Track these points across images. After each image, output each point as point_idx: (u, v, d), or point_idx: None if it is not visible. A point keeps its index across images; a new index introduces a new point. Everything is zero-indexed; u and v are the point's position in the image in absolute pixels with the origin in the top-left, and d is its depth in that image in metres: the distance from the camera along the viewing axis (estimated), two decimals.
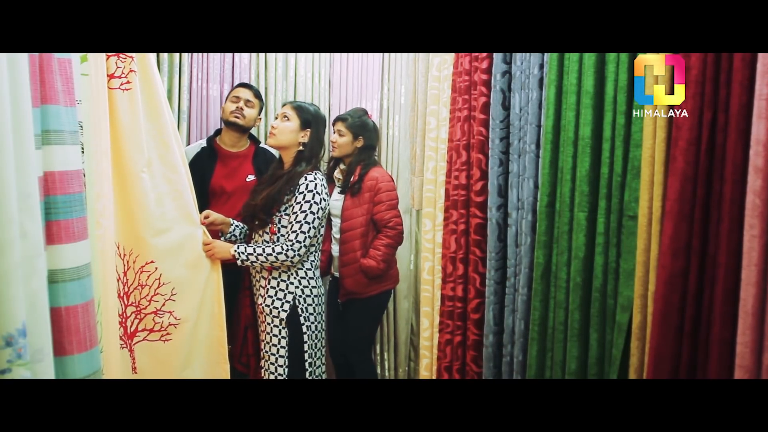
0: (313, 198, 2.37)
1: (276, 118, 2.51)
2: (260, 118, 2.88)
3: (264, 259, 2.36)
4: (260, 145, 2.89)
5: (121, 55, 1.97)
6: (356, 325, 2.77)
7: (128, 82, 1.99)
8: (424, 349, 2.79)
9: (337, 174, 2.82)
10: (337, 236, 2.69)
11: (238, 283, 2.67)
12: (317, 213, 2.38)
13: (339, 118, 2.81)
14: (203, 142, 2.82)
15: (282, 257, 2.35)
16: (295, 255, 2.36)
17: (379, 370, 3.38)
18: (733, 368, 1.45)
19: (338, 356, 2.90)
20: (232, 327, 2.69)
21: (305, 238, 2.36)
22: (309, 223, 2.36)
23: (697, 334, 1.61)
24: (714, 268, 1.55)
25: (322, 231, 2.51)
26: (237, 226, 2.55)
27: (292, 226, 2.37)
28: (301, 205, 2.37)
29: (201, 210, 2.68)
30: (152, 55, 2.10)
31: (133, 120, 2.01)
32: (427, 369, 2.78)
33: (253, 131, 2.95)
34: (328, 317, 2.87)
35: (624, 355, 1.87)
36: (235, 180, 2.74)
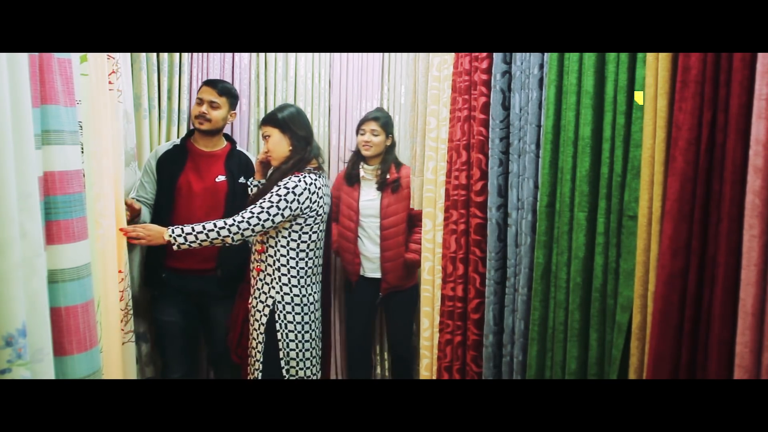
0: (285, 195, 2.31)
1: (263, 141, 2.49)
2: (234, 113, 2.77)
3: (204, 237, 2.24)
4: (237, 147, 2.82)
5: (106, 55, 1.97)
6: (403, 318, 2.83)
7: (110, 83, 1.99)
8: (424, 349, 2.79)
9: (364, 174, 2.84)
10: (378, 233, 2.72)
11: (240, 276, 2.67)
12: (282, 210, 2.30)
13: (371, 118, 2.83)
14: (177, 141, 2.77)
15: (224, 232, 2.25)
16: (237, 233, 2.26)
17: (379, 370, 3.38)
18: (732, 368, 1.45)
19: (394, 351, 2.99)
20: (231, 319, 2.69)
21: (257, 223, 2.27)
22: (269, 214, 2.28)
23: (697, 334, 1.61)
24: (713, 268, 1.55)
25: (315, 236, 2.46)
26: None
27: (253, 207, 2.30)
28: (271, 195, 2.32)
29: (166, 212, 2.65)
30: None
31: (115, 120, 2.01)
32: (427, 369, 2.78)
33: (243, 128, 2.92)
34: (365, 318, 2.88)
35: (624, 355, 1.87)
36: (204, 180, 2.68)
